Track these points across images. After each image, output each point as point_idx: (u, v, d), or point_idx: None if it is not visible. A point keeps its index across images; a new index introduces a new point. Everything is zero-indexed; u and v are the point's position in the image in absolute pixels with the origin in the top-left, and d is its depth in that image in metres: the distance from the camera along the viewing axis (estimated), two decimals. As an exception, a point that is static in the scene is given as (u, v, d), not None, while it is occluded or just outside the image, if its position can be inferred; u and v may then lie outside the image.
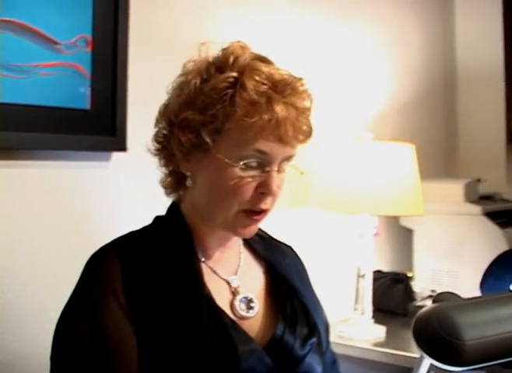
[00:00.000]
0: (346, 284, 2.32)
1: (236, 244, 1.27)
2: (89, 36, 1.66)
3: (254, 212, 1.15)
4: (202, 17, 1.98)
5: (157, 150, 1.20)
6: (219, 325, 1.12)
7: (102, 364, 1.05)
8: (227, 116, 1.10)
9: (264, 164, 1.13)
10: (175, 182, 1.22)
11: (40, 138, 1.58)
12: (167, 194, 1.24)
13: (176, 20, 1.90)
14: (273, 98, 1.11)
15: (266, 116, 1.09)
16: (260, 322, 1.21)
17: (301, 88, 1.16)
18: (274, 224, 2.22)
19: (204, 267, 1.19)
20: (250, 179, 1.12)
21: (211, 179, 1.14)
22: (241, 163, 1.11)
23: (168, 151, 1.18)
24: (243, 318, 1.20)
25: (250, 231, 1.19)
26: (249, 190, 1.12)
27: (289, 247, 1.42)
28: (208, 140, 1.11)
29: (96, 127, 1.69)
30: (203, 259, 1.21)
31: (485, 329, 0.83)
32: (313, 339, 1.23)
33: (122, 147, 1.72)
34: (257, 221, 1.17)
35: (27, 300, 1.55)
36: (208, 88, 1.12)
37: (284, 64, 1.19)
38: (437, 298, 0.91)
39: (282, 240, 1.42)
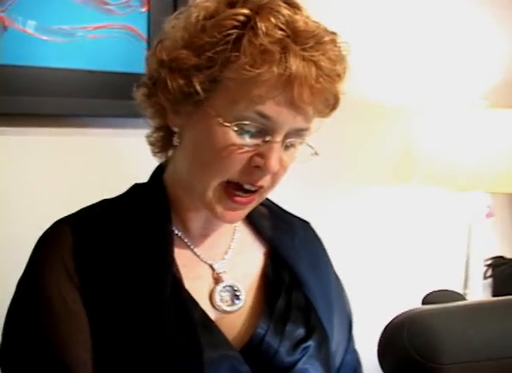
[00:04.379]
0: (456, 272, 2.05)
1: None
2: (144, -5, 1.57)
3: (241, 190, 0.93)
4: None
5: (144, 96, 0.99)
6: (183, 320, 0.93)
7: (43, 341, 0.91)
8: (227, 62, 0.89)
9: (265, 132, 0.91)
10: (162, 139, 1.02)
11: (93, 104, 1.51)
12: (154, 154, 1.05)
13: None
14: (290, 48, 0.88)
15: (276, 69, 0.87)
16: (244, 319, 1.00)
17: (329, 45, 0.92)
18: (374, 202, 2.07)
19: (182, 248, 1.01)
20: (244, 148, 0.90)
21: (197, 139, 0.94)
22: (235, 124, 0.90)
23: (156, 99, 0.96)
24: (224, 312, 1.00)
25: (232, 216, 0.97)
26: (239, 161, 0.91)
27: (306, 223, 1.18)
28: (198, 88, 0.90)
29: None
30: (185, 240, 1.02)
31: (472, 349, 0.60)
32: (309, 343, 1.00)
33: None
34: (242, 204, 0.95)
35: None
36: (210, 25, 0.91)
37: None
38: (428, 298, 0.69)
39: (298, 215, 1.18)
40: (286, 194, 1.85)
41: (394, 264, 2.07)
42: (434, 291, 0.70)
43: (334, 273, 1.17)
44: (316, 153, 0.98)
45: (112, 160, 1.53)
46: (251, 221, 1.09)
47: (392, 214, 2.09)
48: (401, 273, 2.08)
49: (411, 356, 0.61)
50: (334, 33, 0.94)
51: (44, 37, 1.45)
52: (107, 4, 1.52)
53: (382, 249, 2.07)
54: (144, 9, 1.57)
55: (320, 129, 1.84)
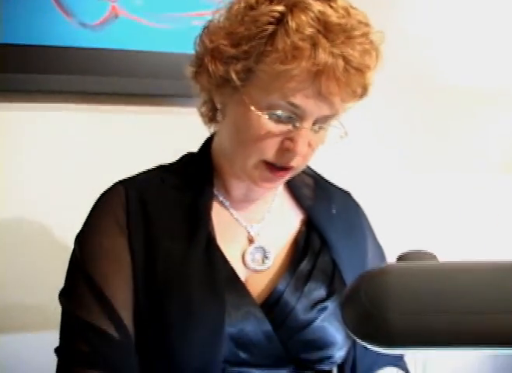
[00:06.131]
0: None
1: None
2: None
3: (277, 167, 1.02)
4: None
5: (192, 73, 1.06)
6: (211, 275, 1.01)
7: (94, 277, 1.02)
8: (261, 56, 0.95)
9: (295, 119, 0.98)
10: (210, 111, 1.10)
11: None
12: (205, 123, 1.13)
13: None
14: (319, 43, 0.93)
15: (305, 64, 0.93)
16: (269, 278, 1.07)
17: (360, 39, 0.96)
18: (483, 191, 2.00)
19: (222, 211, 1.10)
20: (276, 132, 0.98)
21: (236, 120, 1.02)
22: (267, 112, 0.97)
23: (201, 78, 1.05)
24: (254, 271, 1.08)
25: (272, 185, 1.06)
26: (273, 144, 0.99)
27: (346, 193, 1.24)
28: (234, 77, 0.98)
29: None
30: (226, 204, 1.11)
31: (421, 303, 0.64)
32: (327, 304, 1.05)
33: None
34: (281, 176, 1.03)
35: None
36: (248, 19, 0.96)
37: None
38: (402, 257, 0.73)
39: (340, 186, 1.23)
40: (389, 179, 1.89)
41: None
42: (410, 251, 0.74)
43: (376, 243, 1.22)
44: (345, 133, 1.03)
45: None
46: (292, 189, 1.16)
47: (500, 205, 2.03)
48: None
49: (365, 308, 0.66)
50: (367, 25, 0.97)
51: (151, 24, 1.58)
52: (211, -8, 1.61)
53: (489, 240, 2.02)
54: (247, -4, 1.65)
55: (426, 117, 1.88)
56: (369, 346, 0.66)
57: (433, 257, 0.74)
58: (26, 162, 1.54)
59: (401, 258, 0.73)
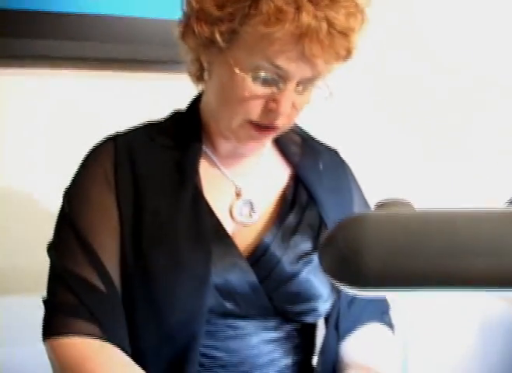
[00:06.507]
0: None
1: None
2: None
3: (262, 126, 1.03)
4: None
5: (179, 33, 1.07)
6: (198, 226, 1.03)
7: (81, 229, 1.04)
8: (246, 19, 0.96)
9: (278, 80, 0.99)
10: (198, 70, 1.11)
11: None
12: (193, 82, 1.14)
13: None
14: (303, 7, 0.93)
15: (289, 27, 0.93)
16: (256, 231, 1.09)
17: (345, 3, 0.96)
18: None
19: (209, 165, 1.12)
20: (260, 94, 1.00)
21: (221, 80, 1.04)
22: (251, 73, 0.99)
23: (187, 38, 1.05)
24: (242, 224, 1.10)
25: (257, 144, 1.07)
26: (257, 105, 1.01)
27: (333, 151, 1.25)
28: (219, 38, 0.99)
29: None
30: (214, 159, 1.12)
31: (401, 245, 0.66)
32: (313, 257, 1.07)
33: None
34: (266, 135, 1.05)
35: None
36: None
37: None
38: (379, 205, 0.75)
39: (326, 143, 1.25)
40: (376, 137, 1.91)
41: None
42: (387, 200, 0.76)
43: (362, 200, 1.24)
44: (330, 94, 1.04)
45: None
46: (280, 146, 1.18)
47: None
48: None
49: (342, 250, 0.69)
50: None
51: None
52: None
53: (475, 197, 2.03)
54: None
55: (419, 83, 1.89)
56: (346, 289, 0.69)
57: (410, 205, 0.76)
58: (22, 127, 1.56)
59: (378, 206, 0.76)
